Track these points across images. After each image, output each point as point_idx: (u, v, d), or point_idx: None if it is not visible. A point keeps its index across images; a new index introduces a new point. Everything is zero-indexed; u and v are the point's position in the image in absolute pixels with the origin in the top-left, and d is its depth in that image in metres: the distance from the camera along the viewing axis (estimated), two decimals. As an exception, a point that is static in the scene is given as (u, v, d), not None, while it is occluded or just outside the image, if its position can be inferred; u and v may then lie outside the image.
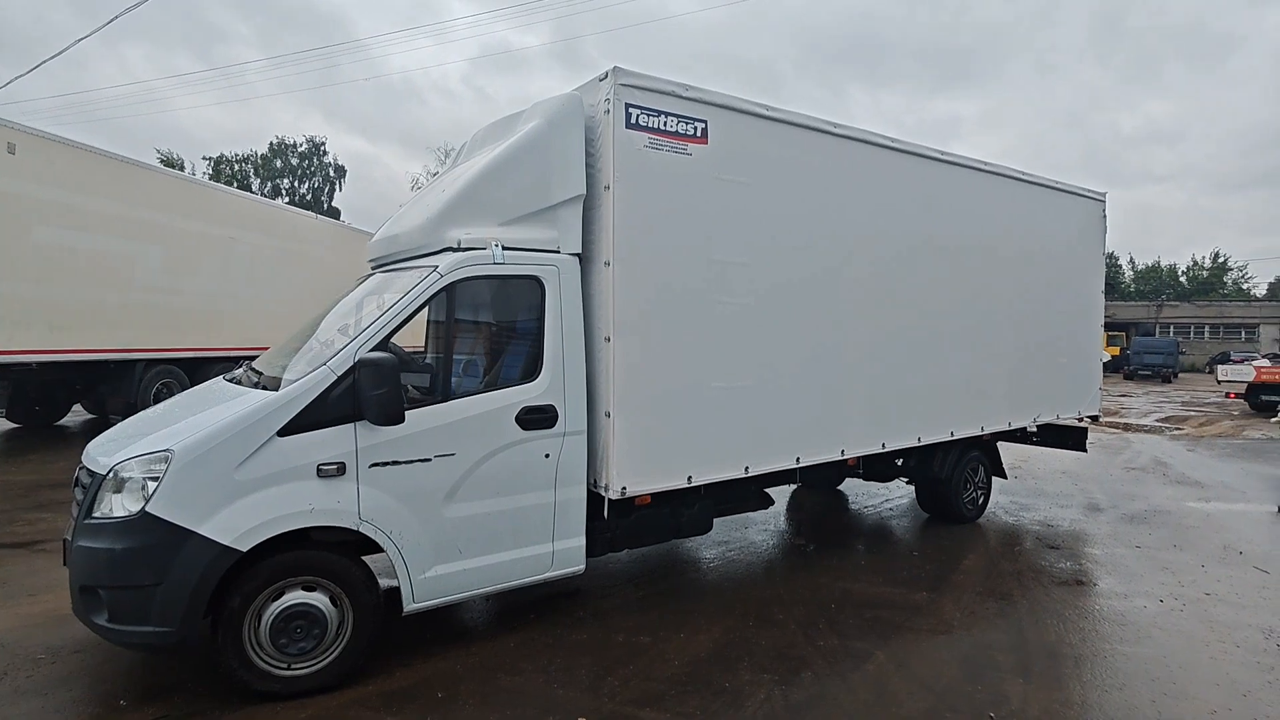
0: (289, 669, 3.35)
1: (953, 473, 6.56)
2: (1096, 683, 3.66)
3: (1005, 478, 7.27)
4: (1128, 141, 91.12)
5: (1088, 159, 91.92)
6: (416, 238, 4.20)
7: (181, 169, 40.85)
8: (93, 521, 3.20)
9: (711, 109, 4.51)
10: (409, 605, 3.63)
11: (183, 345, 10.86)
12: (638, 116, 4.18)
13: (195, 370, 10.82)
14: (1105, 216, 7.79)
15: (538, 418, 3.97)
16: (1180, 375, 33.72)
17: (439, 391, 3.82)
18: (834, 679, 3.66)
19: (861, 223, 5.45)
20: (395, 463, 3.56)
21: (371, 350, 3.50)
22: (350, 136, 73.75)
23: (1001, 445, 7.33)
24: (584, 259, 4.26)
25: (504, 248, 3.98)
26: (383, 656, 3.71)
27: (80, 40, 17.14)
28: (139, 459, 3.20)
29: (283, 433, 3.32)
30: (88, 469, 3.43)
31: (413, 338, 4.74)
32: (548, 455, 4.02)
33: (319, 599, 3.39)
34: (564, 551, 4.12)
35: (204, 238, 11.32)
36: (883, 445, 5.68)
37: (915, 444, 5.94)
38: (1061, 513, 7.24)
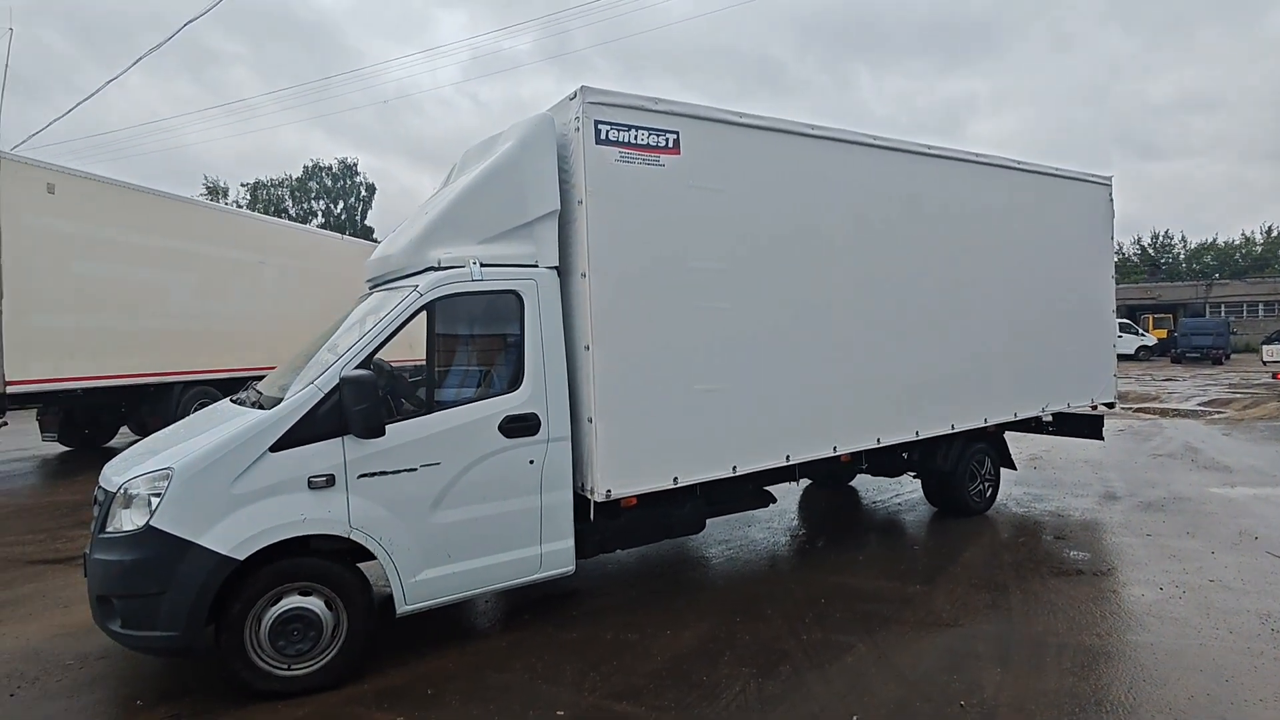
0: (289, 669, 3.58)
1: (957, 466, 6.54)
2: (1075, 671, 3.67)
3: (1015, 469, 7.21)
4: (1159, 112, 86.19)
5: (1117, 132, 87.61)
6: (402, 258, 4.42)
7: (225, 195, 42.44)
8: (106, 536, 3.48)
9: (682, 120, 4.63)
10: (401, 608, 3.84)
11: (217, 366, 11.38)
12: (607, 132, 4.33)
13: (230, 389, 11.24)
14: (1112, 200, 7.67)
15: (520, 426, 4.15)
16: (1233, 356, 32.38)
17: (424, 404, 4.02)
18: (812, 671, 3.74)
19: (845, 220, 5.51)
20: (383, 473, 3.77)
21: (355, 368, 3.72)
22: (356, 152, 75.23)
23: (1021, 436, 7.28)
24: (562, 271, 4.43)
25: (482, 265, 4.17)
26: (380, 656, 3.92)
27: (109, 82, 18.09)
28: (144, 477, 3.47)
29: (275, 448, 3.55)
30: (103, 487, 3.72)
31: (410, 352, 4.99)
32: (532, 461, 4.19)
33: (314, 603, 3.62)
34: (552, 553, 4.28)
35: (234, 263, 11.84)
36: (878, 440, 5.71)
37: (913, 438, 5.96)
38: (1075, 502, 7.14)
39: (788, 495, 7.34)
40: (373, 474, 3.74)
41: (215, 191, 42.01)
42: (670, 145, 4.58)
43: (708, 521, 5.37)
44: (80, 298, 9.35)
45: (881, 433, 5.74)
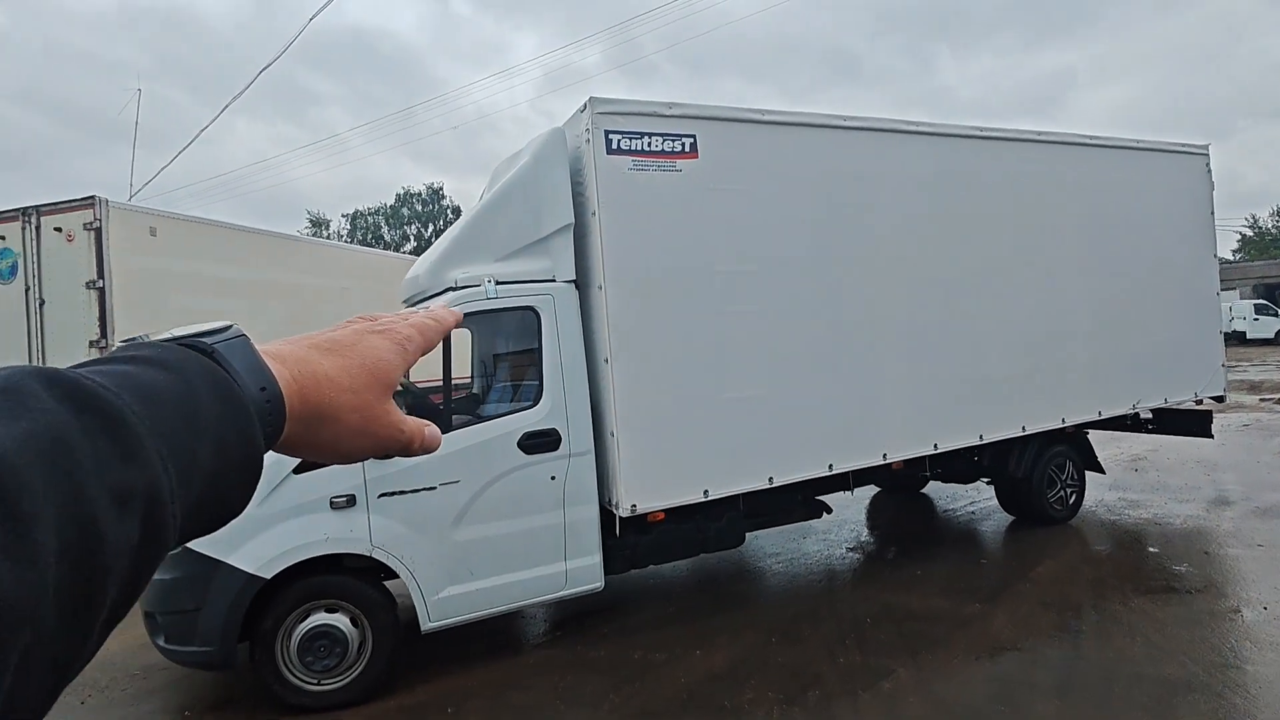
0: (318, 684, 3.69)
1: (1032, 471, 6.01)
2: (1147, 705, 3.25)
3: (1103, 472, 6.56)
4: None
5: (1242, 95, 78.52)
6: (426, 280, 4.51)
7: (328, 227, 45.36)
8: (152, 555, 3.71)
9: (699, 122, 4.51)
10: (426, 625, 3.89)
11: (306, 388, 12.08)
12: (619, 141, 4.27)
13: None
14: (1209, 171, 6.89)
15: (540, 442, 4.13)
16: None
17: (443, 422, 4.07)
18: (842, 698, 3.50)
19: (887, 212, 5.20)
20: (402, 492, 3.85)
21: (372, 390, 3.81)
22: (441, 177, 78.83)
23: (1124, 435, 6.74)
24: (581, 284, 4.39)
25: (498, 282, 4.19)
26: (409, 672, 3.99)
27: (203, 130, 19.72)
28: (183, 500, 3.68)
29: (298, 470, 3.69)
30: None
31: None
32: (553, 477, 4.17)
33: (340, 620, 3.72)
34: (578, 570, 4.23)
35: (321, 290, 12.56)
36: (934, 446, 5.34)
37: (976, 443, 5.53)
38: (1178, 509, 6.42)
39: (850, 505, 6.98)
40: (392, 493, 3.82)
41: (319, 224, 44.97)
42: (687, 150, 4.46)
43: (759, 533, 5.22)
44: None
45: (939, 437, 5.36)
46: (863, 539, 6.23)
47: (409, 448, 0.55)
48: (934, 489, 7.54)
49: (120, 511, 0.32)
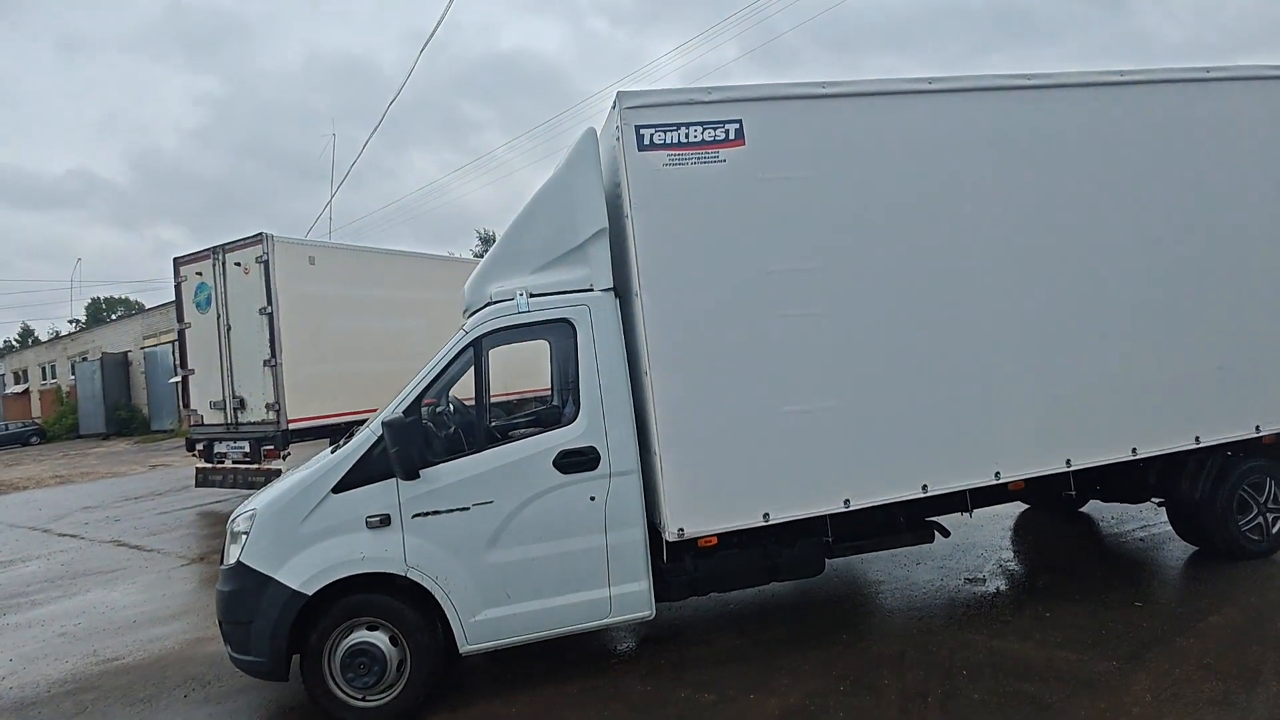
0: (363, 700, 3.75)
1: (1215, 492, 4.81)
2: (1325, 831, 2.37)
3: (1325, 492, 5.10)
4: None
5: None
6: (470, 295, 4.49)
7: (494, 241, 48.84)
8: (223, 567, 3.99)
9: (744, 105, 4.08)
10: (463, 647, 3.83)
11: (449, 397, 12.87)
12: (651, 136, 3.96)
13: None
14: None
15: (577, 461, 3.93)
16: None
17: (477, 442, 4.00)
18: (901, 772, 2.94)
19: (992, 185, 4.42)
20: (435, 512, 3.82)
21: (404, 409, 3.83)
22: None
23: None
24: (620, 292, 4.14)
25: (531, 295, 4.06)
26: (454, 692, 3.96)
27: (353, 164, 21.69)
28: (244, 516, 3.92)
29: (336, 489, 3.79)
30: (233, 524, 4.29)
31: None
32: (593, 498, 3.94)
33: (379, 638, 3.76)
34: (623, 596, 3.97)
35: (455, 304, 13.35)
36: (1067, 463, 4.44)
37: (1128, 457, 4.53)
38: None
39: (983, 526, 6.05)
40: (426, 513, 3.80)
41: (488, 241, 48.37)
42: (731, 137, 4.05)
43: (865, 557, 4.71)
44: (338, 348, 11.23)
45: (1072, 451, 4.45)
46: (989, 568, 5.34)
47: None
48: (1096, 507, 6.35)
49: None
